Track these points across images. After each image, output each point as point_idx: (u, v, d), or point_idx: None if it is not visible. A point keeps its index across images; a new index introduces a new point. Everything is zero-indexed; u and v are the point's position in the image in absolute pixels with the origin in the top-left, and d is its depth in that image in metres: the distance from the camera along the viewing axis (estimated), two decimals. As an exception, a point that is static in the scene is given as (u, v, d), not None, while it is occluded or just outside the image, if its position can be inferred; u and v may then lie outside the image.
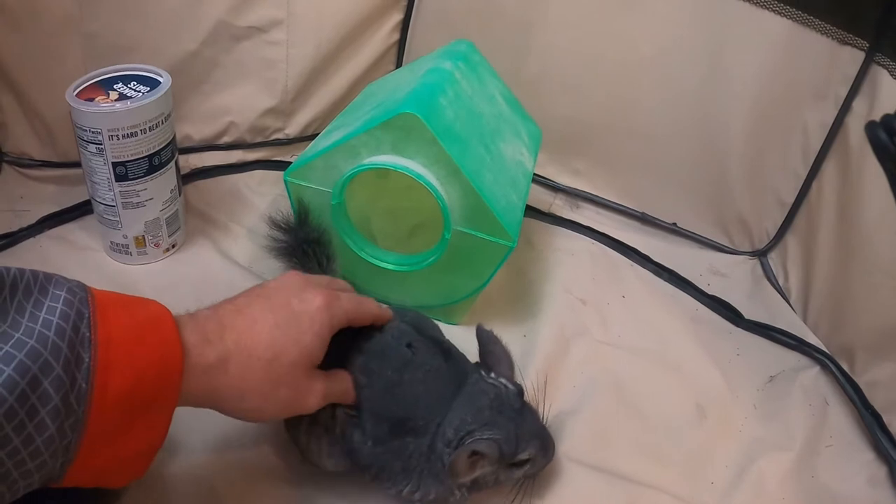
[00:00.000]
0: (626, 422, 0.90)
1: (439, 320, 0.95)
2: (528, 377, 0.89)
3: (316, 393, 0.65)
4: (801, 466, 0.90)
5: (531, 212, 1.19)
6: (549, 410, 0.82)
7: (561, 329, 0.98)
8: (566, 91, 1.20)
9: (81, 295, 0.51)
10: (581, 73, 1.18)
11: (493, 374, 0.73)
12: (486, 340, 0.77)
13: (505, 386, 0.72)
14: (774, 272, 1.22)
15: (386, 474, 0.70)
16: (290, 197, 0.92)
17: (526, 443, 0.70)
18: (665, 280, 1.14)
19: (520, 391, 0.73)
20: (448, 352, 0.74)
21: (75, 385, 0.47)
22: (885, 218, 1.02)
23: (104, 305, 0.52)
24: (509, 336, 0.94)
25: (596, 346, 0.98)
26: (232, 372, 0.59)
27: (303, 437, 0.73)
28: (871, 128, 0.67)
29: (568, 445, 0.84)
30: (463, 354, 0.77)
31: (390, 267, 0.92)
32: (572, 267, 1.09)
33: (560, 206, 1.24)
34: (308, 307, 0.64)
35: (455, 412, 0.69)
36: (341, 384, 0.69)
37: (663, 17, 1.11)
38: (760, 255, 1.24)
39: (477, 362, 0.76)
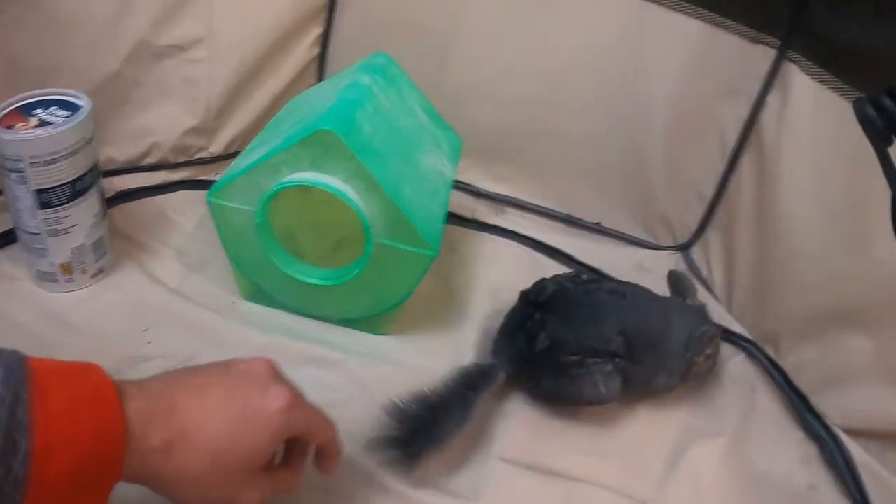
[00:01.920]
0: (563, 419, 0.92)
1: (367, 331, 0.97)
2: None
3: (254, 498, 0.63)
4: (734, 451, 0.93)
5: (455, 219, 1.20)
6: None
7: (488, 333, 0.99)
8: (488, 98, 1.22)
9: (19, 374, 0.48)
10: (501, 81, 1.21)
11: (688, 300, 1.03)
12: (677, 278, 1.09)
13: (699, 303, 1.04)
14: (698, 265, 1.26)
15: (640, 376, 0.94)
16: (214, 218, 0.92)
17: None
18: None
19: (705, 307, 1.03)
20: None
21: (11, 473, 0.45)
22: (801, 207, 1.07)
23: (42, 382, 0.49)
24: (437, 345, 0.97)
25: None
26: (175, 458, 0.56)
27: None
28: (859, 104, 0.69)
29: (501, 446, 0.86)
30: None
31: (316, 282, 0.93)
32: (498, 271, 1.11)
33: (484, 212, 1.26)
34: (269, 406, 0.61)
35: (678, 324, 0.96)
36: (284, 484, 0.67)
37: (581, 23, 1.14)
38: (683, 249, 1.27)
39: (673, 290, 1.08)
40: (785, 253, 1.09)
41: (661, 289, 1.15)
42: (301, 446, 0.69)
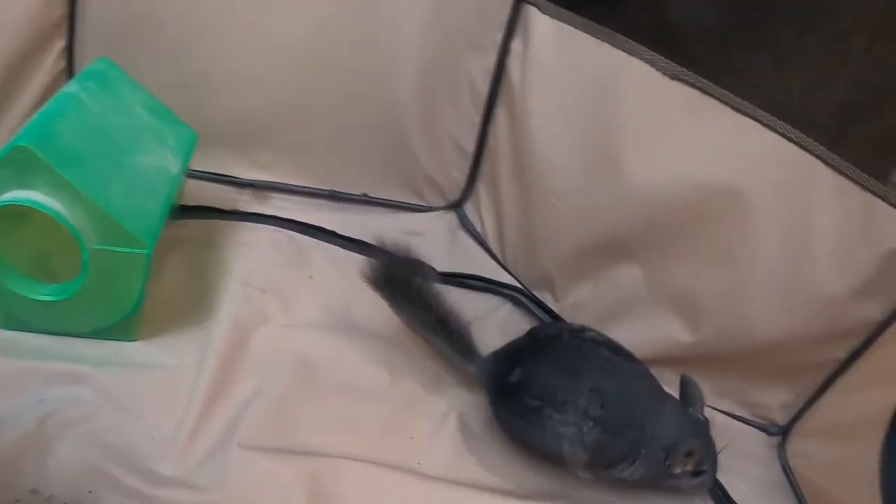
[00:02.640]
0: (315, 399, 0.91)
1: (118, 339, 0.95)
2: (204, 377, 0.88)
3: None
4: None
5: (213, 213, 1.16)
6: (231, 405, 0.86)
7: (237, 322, 0.96)
8: (233, 88, 1.18)
9: None
10: (242, 66, 1.16)
11: (691, 409, 0.91)
12: (688, 384, 0.94)
13: (702, 418, 0.92)
14: (472, 221, 1.26)
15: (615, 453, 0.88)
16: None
17: (709, 459, 0.89)
18: (356, 252, 1.15)
19: (706, 423, 0.92)
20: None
21: None
22: (553, 146, 1.09)
23: None
24: (185, 342, 0.95)
25: (279, 332, 0.97)
26: None
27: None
28: None
29: (244, 434, 0.83)
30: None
31: (46, 298, 0.90)
32: (253, 259, 1.08)
33: (247, 202, 1.22)
34: None
35: (665, 419, 0.89)
36: None
37: None
38: (456, 207, 1.28)
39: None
40: (545, 194, 1.11)
41: (434, 250, 1.17)
42: None
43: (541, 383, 0.88)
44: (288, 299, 1.03)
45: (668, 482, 0.90)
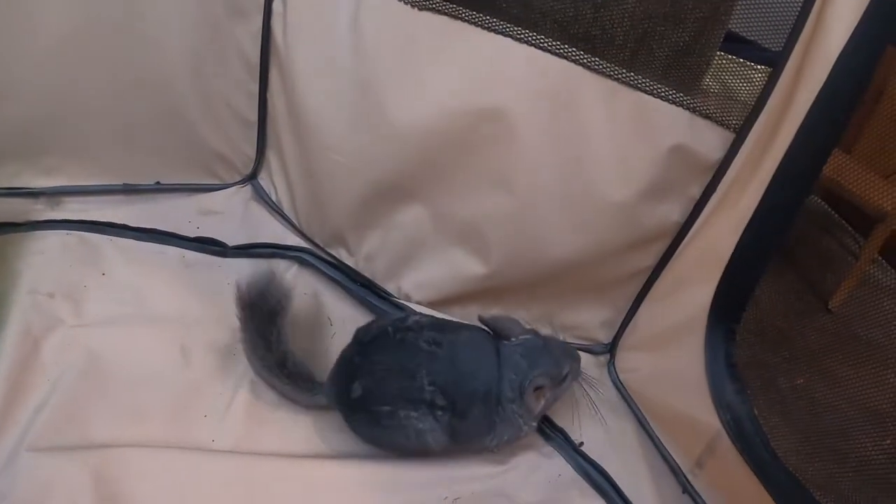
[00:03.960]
0: (106, 394, 0.94)
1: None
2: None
3: None
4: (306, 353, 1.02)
5: (5, 227, 1.15)
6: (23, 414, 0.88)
7: (27, 331, 0.98)
8: (6, 98, 1.15)
9: None
10: (12, 75, 1.14)
11: (511, 339, 0.94)
12: (490, 320, 0.97)
13: (525, 339, 0.94)
14: (267, 191, 1.29)
15: (471, 432, 0.92)
16: None
17: (561, 361, 0.94)
18: (149, 241, 1.17)
19: (534, 333, 0.96)
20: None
21: None
22: (322, 103, 1.10)
23: None
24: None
25: (69, 333, 1.00)
26: None
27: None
28: None
29: (33, 438, 0.86)
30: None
31: None
32: (41, 266, 1.09)
33: (41, 210, 1.21)
34: None
35: (504, 374, 0.91)
36: None
37: None
38: (251, 179, 1.30)
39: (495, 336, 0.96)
40: (323, 151, 1.13)
41: (229, 226, 1.21)
42: None
43: (382, 392, 0.91)
44: (79, 299, 1.05)
45: (538, 418, 0.96)
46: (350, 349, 0.97)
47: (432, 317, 1.01)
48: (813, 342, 1.11)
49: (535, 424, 0.96)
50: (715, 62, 1.01)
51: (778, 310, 1.05)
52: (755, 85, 0.92)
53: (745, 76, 0.94)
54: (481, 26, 0.98)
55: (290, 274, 1.14)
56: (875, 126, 1.04)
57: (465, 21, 0.99)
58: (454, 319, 1.07)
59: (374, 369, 0.92)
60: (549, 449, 1.02)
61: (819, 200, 1.16)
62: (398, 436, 0.92)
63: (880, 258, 1.17)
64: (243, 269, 1.13)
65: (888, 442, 0.92)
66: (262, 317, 0.96)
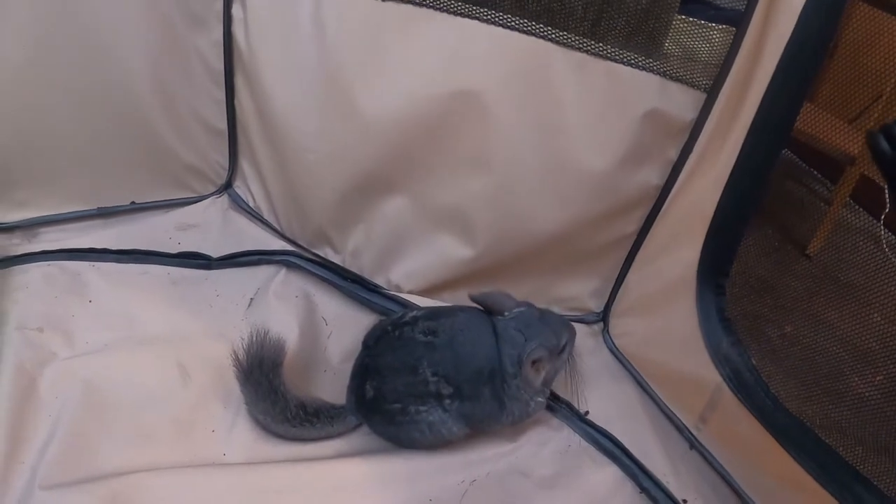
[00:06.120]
0: (108, 422, 0.93)
1: None
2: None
3: None
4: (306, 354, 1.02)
5: None
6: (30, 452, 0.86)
7: (20, 368, 0.96)
8: None
9: None
10: None
11: (506, 314, 0.94)
12: (481, 297, 0.97)
13: (519, 312, 0.95)
14: (244, 198, 1.29)
15: (484, 413, 0.93)
16: None
17: (558, 332, 0.95)
18: (131, 262, 1.16)
19: (528, 304, 0.96)
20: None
21: None
22: (290, 103, 1.11)
23: None
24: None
25: (64, 366, 0.98)
26: None
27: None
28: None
29: (44, 476, 0.85)
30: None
31: None
32: (26, 300, 1.07)
33: (18, 244, 1.19)
34: None
35: (503, 350, 0.91)
36: None
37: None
38: (226, 189, 1.29)
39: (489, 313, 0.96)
40: (296, 151, 1.13)
41: (210, 238, 1.20)
42: None
43: (391, 389, 0.92)
44: (69, 330, 1.04)
45: (545, 393, 0.97)
46: (360, 355, 0.98)
47: (428, 308, 1.01)
48: (796, 289, 1.14)
49: (542, 400, 0.97)
50: (674, 25, 1.01)
51: (760, 261, 1.07)
52: (716, 45, 0.94)
53: (704, 37, 0.96)
54: (446, 11, 0.99)
55: (278, 279, 1.13)
56: (834, 72, 1.05)
57: (429, 7, 1.00)
58: (447, 304, 1.08)
59: (381, 370, 0.94)
60: (556, 422, 1.03)
61: (787, 151, 1.18)
62: (413, 431, 0.93)
63: (851, 201, 1.20)
64: (228, 281, 1.14)
65: (879, 378, 0.94)
66: (265, 386, 0.95)
